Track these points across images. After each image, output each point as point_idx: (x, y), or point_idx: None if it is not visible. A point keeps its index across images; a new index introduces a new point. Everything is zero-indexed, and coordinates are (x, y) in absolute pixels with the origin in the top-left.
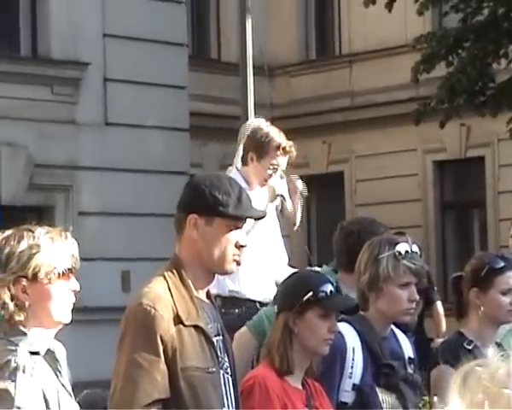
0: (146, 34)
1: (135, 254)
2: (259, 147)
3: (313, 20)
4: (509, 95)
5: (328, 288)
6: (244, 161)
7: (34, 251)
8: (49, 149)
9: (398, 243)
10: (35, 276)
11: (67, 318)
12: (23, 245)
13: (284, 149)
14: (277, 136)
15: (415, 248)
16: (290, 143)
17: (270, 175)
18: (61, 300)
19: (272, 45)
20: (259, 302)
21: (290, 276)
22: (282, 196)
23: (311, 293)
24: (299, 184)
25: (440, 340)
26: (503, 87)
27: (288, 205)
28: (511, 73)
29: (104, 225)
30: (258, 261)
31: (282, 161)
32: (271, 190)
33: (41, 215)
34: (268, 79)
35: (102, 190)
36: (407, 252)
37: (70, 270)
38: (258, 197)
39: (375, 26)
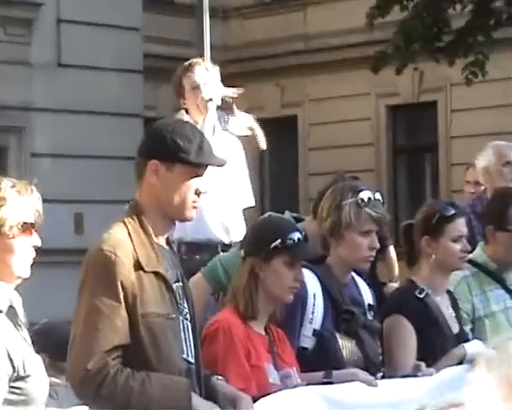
0: None
1: (88, 196)
2: (177, 88)
3: None
4: (464, 42)
5: (296, 236)
6: (186, 110)
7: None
8: (1, 90)
9: (361, 191)
10: None
11: (27, 272)
12: None
13: (187, 66)
14: (180, 67)
15: (377, 196)
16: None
17: (196, 96)
18: (23, 255)
19: None
20: (222, 245)
21: (259, 221)
22: (226, 99)
23: (279, 240)
24: (210, 94)
25: (393, 284)
26: (459, 34)
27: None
28: (466, 18)
29: (57, 167)
30: (221, 204)
31: (197, 76)
32: (201, 100)
33: None
34: (222, 20)
35: (55, 132)
36: (370, 199)
37: (33, 225)
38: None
39: None
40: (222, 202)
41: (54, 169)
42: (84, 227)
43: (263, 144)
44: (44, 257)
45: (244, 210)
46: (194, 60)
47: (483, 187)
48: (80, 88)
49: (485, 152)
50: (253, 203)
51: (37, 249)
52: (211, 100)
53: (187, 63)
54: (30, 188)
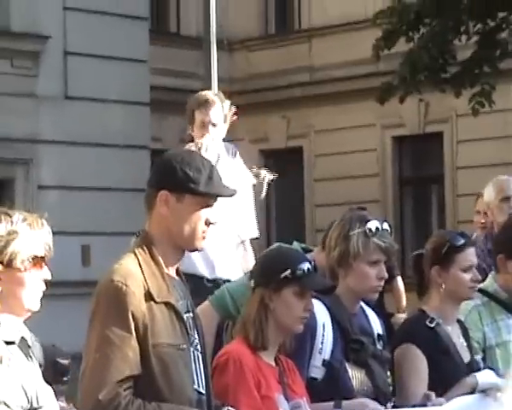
0: (106, 7)
1: (95, 228)
2: (189, 117)
3: None
4: (470, 73)
5: (306, 266)
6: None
7: (12, 237)
8: (8, 122)
9: (368, 221)
10: (10, 262)
11: (37, 306)
12: (0, 230)
13: (204, 102)
14: (197, 97)
15: (385, 225)
16: (210, 93)
17: (203, 131)
18: (33, 288)
19: (232, 19)
20: (207, 279)
21: (268, 251)
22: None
23: (289, 270)
24: (266, 175)
25: (401, 315)
26: (465, 65)
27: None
28: (472, 49)
29: (64, 199)
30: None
31: (211, 115)
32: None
33: (1, 189)
34: (227, 53)
35: (62, 164)
36: (377, 229)
37: (43, 258)
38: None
39: (335, 0)
40: (213, 237)
41: (60, 201)
42: (91, 259)
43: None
44: (51, 289)
45: (251, 241)
46: (211, 97)
47: (490, 220)
48: (87, 120)
49: (488, 187)
50: (257, 234)
51: (45, 282)
52: (213, 125)
53: (204, 98)
54: (41, 221)
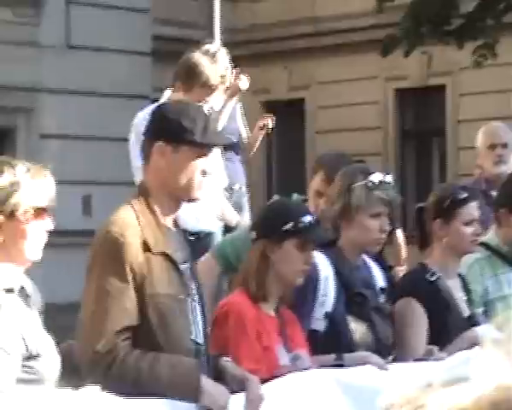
0: None
1: (96, 178)
2: (186, 76)
3: None
4: (473, 26)
5: (308, 219)
6: (174, 87)
7: (14, 188)
8: (10, 70)
9: (371, 173)
10: (12, 213)
11: (38, 256)
12: (3, 181)
13: (211, 86)
14: (209, 68)
15: (388, 178)
16: (224, 73)
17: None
18: (35, 239)
19: None
20: (190, 232)
21: (270, 203)
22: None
23: (291, 223)
24: (269, 122)
25: (401, 268)
26: (468, 18)
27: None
28: (475, 2)
29: (65, 149)
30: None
31: (212, 99)
32: (234, 86)
33: (2, 137)
34: (231, 3)
35: (64, 113)
36: (380, 182)
37: (45, 209)
38: None
39: None
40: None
41: (62, 150)
42: (92, 209)
43: (252, 151)
44: (53, 239)
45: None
46: (216, 50)
47: (478, 169)
48: (89, 69)
49: (478, 134)
50: (226, 183)
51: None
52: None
53: (211, 51)
54: (44, 172)
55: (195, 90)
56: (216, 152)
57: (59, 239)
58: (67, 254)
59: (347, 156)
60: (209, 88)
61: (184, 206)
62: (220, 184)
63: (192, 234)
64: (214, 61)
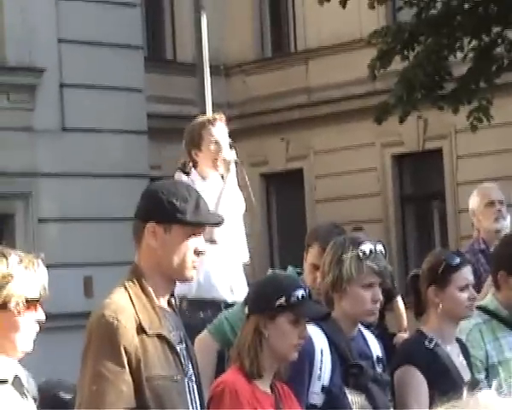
0: (101, 38)
1: (96, 259)
2: (193, 139)
3: (268, 18)
4: (467, 89)
5: (300, 293)
6: (194, 164)
7: (6, 280)
8: (6, 156)
9: (361, 243)
10: (4, 305)
11: (30, 347)
12: None
13: (210, 120)
14: (201, 119)
15: (379, 247)
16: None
17: (217, 151)
18: (27, 331)
19: (227, 44)
20: (225, 304)
21: (262, 278)
22: (235, 160)
23: (283, 298)
24: (231, 155)
25: (402, 334)
26: (462, 81)
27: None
28: (467, 65)
29: (65, 232)
30: (227, 262)
31: (217, 131)
32: (224, 161)
33: (1, 223)
34: (224, 78)
35: (62, 197)
36: (371, 252)
37: (38, 300)
38: (216, 185)
39: (330, 21)
40: (228, 260)
41: (62, 233)
42: (94, 290)
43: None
44: (55, 322)
45: (246, 265)
46: (216, 115)
47: (476, 231)
48: (85, 151)
49: (472, 196)
50: (247, 260)
51: (47, 315)
52: (236, 162)
53: (208, 118)
54: (37, 262)
55: (204, 149)
56: (232, 179)
57: (61, 322)
58: (70, 336)
59: (339, 227)
60: (209, 124)
61: (217, 277)
62: (240, 211)
63: (227, 305)
64: (212, 125)
